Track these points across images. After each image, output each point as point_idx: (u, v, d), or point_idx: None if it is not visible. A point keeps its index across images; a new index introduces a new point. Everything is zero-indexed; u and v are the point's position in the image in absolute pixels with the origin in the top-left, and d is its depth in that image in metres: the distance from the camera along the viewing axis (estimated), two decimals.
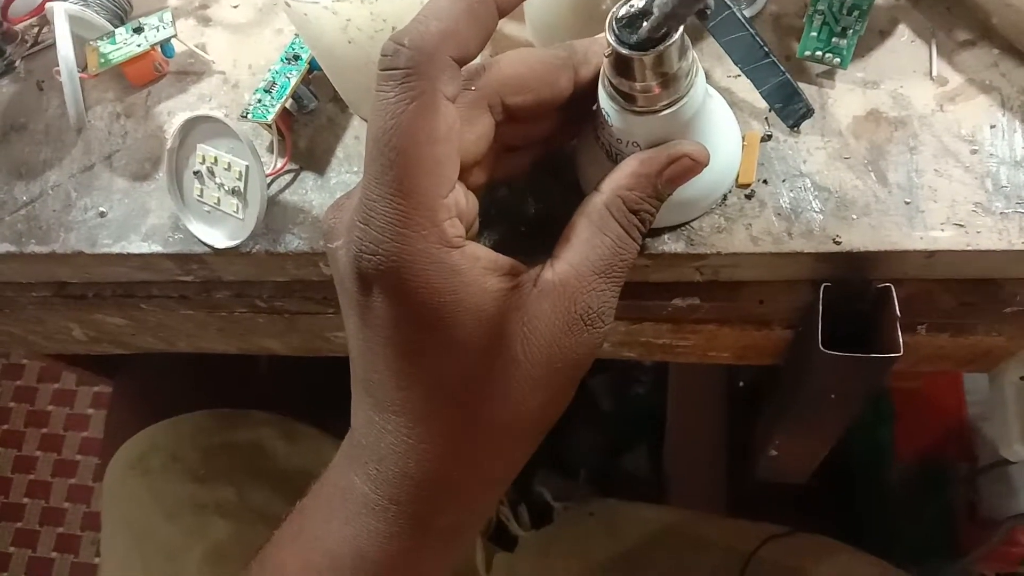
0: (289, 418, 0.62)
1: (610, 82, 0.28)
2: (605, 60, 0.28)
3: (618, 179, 0.28)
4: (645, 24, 0.26)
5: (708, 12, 0.30)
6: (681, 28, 0.26)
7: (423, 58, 0.24)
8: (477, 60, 0.27)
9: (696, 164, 0.28)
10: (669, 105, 0.28)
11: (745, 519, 0.59)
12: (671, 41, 0.26)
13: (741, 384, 0.76)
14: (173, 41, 0.40)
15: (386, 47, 0.25)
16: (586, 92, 0.29)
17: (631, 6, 0.26)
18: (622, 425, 0.81)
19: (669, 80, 0.27)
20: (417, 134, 0.24)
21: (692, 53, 0.28)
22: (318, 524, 0.29)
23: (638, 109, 0.28)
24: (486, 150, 0.28)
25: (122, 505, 0.61)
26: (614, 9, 0.27)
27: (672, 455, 0.77)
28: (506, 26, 0.37)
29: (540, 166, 0.34)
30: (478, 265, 0.26)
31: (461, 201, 0.27)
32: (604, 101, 0.29)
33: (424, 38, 0.24)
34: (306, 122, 0.38)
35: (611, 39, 0.26)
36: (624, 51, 0.26)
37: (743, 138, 0.33)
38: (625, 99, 0.28)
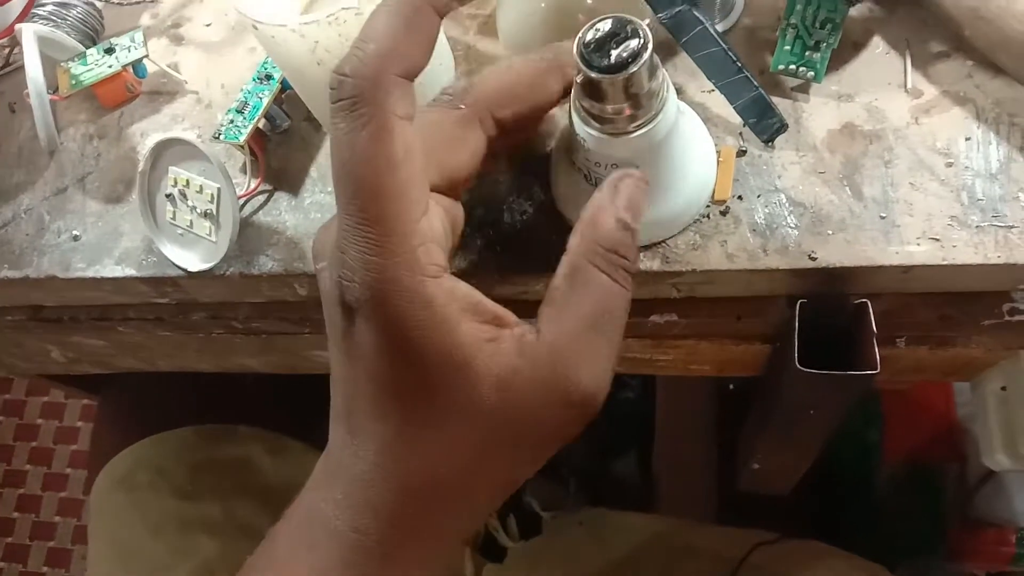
0: (275, 433, 0.61)
1: (581, 106, 0.28)
2: (575, 84, 0.28)
3: (584, 226, 0.26)
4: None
5: None
6: (650, 48, 0.26)
7: (366, 84, 0.23)
8: (463, 81, 0.26)
9: (639, 178, 0.27)
10: (642, 125, 0.28)
11: (734, 525, 0.59)
12: (640, 62, 0.26)
13: (731, 387, 0.76)
14: (145, 61, 0.40)
15: (331, 80, 0.24)
16: None
17: (598, 30, 0.26)
18: (611, 430, 0.81)
19: (640, 100, 0.27)
20: (374, 161, 0.24)
21: (662, 72, 0.27)
22: (286, 550, 0.28)
23: (611, 131, 0.28)
24: (479, 165, 0.28)
25: (108, 522, 0.60)
26: (580, 34, 0.26)
27: (661, 460, 0.77)
28: (480, 43, 0.37)
29: (516, 186, 0.34)
30: (453, 302, 0.25)
31: (436, 227, 0.26)
32: (578, 126, 0.29)
33: (364, 63, 0.24)
34: (279, 142, 0.38)
35: (580, 63, 0.26)
36: (594, 75, 0.26)
37: (718, 154, 0.33)
38: (598, 121, 0.28)
